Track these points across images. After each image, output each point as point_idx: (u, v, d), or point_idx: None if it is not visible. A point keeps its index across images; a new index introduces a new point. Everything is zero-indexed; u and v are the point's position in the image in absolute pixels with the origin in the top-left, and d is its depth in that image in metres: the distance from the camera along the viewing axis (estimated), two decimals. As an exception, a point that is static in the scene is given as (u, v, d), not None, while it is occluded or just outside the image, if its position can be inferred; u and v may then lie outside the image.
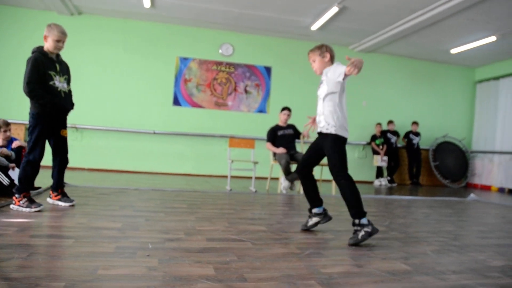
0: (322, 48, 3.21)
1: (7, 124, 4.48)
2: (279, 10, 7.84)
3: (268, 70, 9.60)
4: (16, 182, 4.10)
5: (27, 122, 7.81)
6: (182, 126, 9.05)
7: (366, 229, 2.86)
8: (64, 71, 3.77)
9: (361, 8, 7.41)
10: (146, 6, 7.92)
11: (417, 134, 9.97)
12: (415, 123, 9.99)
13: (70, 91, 3.84)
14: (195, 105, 9.19)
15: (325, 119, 3.09)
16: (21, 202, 3.45)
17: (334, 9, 7.42)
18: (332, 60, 3.23)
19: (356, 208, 2.93)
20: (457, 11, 7.06)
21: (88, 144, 8.57)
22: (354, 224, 2.93)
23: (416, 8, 7.23)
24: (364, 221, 2.90)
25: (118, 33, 8.84)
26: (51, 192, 3.87)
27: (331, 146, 3.04)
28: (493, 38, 8.37)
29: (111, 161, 8.72)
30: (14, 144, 4.52)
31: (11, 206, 3.50)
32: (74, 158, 7.17)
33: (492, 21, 7.56)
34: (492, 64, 10.48)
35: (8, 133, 4.47)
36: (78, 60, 8.05)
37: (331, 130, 3.04)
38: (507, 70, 10.03)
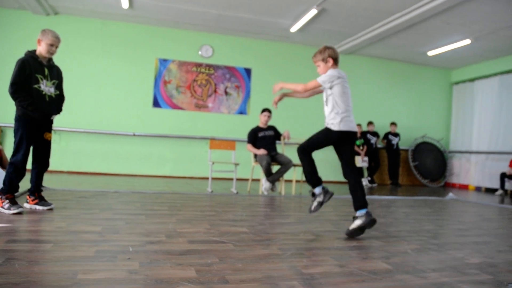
0: (324, 53, 3.31)
1: None
2: (258, 11, 7.86)
3: (248, 71, 9.60)
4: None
5: (3, 124, 7.71)
6: (162, 128, 8.98)
7: (318, 198, 3.30)
8: (54, 76, 3.78)
9: (339, 10, 7.48)
10: (124, 7, 7.83)
11: (395, 134, 10.10)
12: (393, 124, 10.13)
13: (58, 96, 3.83)
14: (175, 106, 9.13)
15: (327, 120, 3.28)
16: (3, 203, 3.46)
17: (313, 11, 7.47)
18: (336, 63, 3.34)
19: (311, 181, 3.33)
20: (433, 14, 7.20)
21: (66, 147, 8.43)
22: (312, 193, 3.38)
23: (393, 11, 7.34)
24: (317, 190, 3.32)
25: (96, 34, 8.72)
26: (28, 197, 3.80)
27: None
28: (467, 41, 8.56)
29: (90, 164, 8.58)
30: None
31: None
32: (53, 161, 6.99)
33: (467, 25, 7.73)
34: (468, 66, 10.72)
35: None
36: (55, 61, 7.90)
37: (335, 128, 3.22)
38: (481, 72, 10.27)
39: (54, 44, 3.64)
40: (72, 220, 3.28)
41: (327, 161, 9.92)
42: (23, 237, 2.71)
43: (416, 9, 7.07)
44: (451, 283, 2.10)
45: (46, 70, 3.68)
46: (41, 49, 3.63)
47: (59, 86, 3.85)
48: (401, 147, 10.38)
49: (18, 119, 3.54)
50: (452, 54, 9.71)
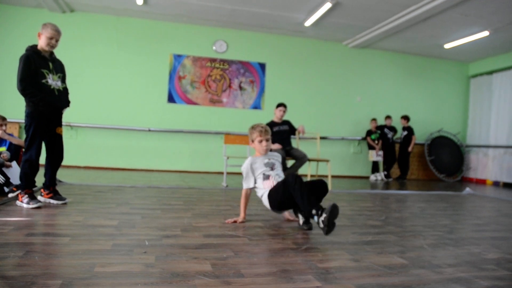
0: None
1: (3, 119, 4.55)
2: (272, 6, 7.82)
3: (262, 66, 9.58)
4: (12, 180, 4.17)
5: (21, 120, 7.84)
6: (177, 123, 9.03)
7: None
8: (58, 69, 3.77)
9: (354, 3, 7.40)
10: (138, 3, 7.87)
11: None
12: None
13: (65, 89, 3.84)
14: (190, 102, 9.17)
15: None
16: (23, 198, 3.54)
17: (327, 5, 7.40)
18: None
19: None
20: (450, 6, 7.07)
21: (83, 142, 8.54)
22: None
23: (409, 3, 7.23)
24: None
25: (111, 31, 8.78)
26: (42, 190, 3.87)
27: None
28: (485, 33, 8.39)
29: (107, 159, 8.69)
30: (15, 141, 4.58)
31: (17, 202, 3.60)
32: (69, 156, 7.14)
33: (485, 16, 7.58)
34: (486, 59, 10.52)
35: (4, 128, 4.52)
36: (71, 58, 7.99)
37: None
38: (500, 64, 10.07)
39: (54, 37, 3.60)
40: (89, 214, 3.33)
41: (341, 157, 9.89)
42: (42, 230, 2.76)
43: (433, 1, 6.95)
44: (468, 278, 2.08)
45: (51, 64, 3.67)
46: (42, 43, 3.60)
47: (64, 79, 3.85)
48: (418, 141, 10.23)
49: (29, 115, 3.55)
50: (469, 47, 9.54)
